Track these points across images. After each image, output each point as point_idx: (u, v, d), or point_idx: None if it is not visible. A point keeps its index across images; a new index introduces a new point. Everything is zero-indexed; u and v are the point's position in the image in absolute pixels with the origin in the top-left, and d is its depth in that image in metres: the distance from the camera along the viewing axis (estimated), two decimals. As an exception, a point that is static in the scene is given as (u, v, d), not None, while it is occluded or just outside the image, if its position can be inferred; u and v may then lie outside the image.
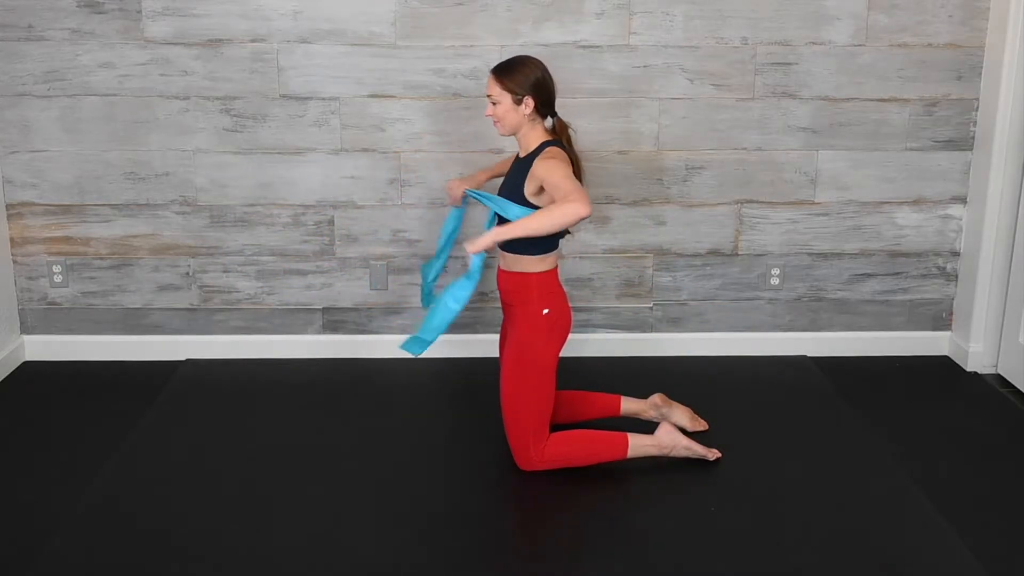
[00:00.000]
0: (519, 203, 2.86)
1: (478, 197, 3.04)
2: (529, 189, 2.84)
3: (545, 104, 2.88)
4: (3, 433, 3.29)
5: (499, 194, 2.98)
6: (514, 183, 2.90)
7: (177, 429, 3.32)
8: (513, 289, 2.96)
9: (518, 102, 2.84)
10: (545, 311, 2.93)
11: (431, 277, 3.30)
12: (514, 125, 2.88)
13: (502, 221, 2.90)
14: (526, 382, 2.92)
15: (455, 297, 2.81)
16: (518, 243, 2.87)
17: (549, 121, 2.94)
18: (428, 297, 3.31)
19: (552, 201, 2.76)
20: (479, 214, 3.61)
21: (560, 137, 2.93)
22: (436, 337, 2.84)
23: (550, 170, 2.74)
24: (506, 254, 2.94)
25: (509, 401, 2.94)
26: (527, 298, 2.93)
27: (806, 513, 2.81)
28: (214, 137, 3.71)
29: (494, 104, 2.86)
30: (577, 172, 2.87)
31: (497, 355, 3.85)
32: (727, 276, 3.93)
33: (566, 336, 3.01)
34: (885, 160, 3.83)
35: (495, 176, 3.26)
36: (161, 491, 2.91)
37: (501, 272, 3.01)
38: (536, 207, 2.84)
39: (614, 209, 3.83)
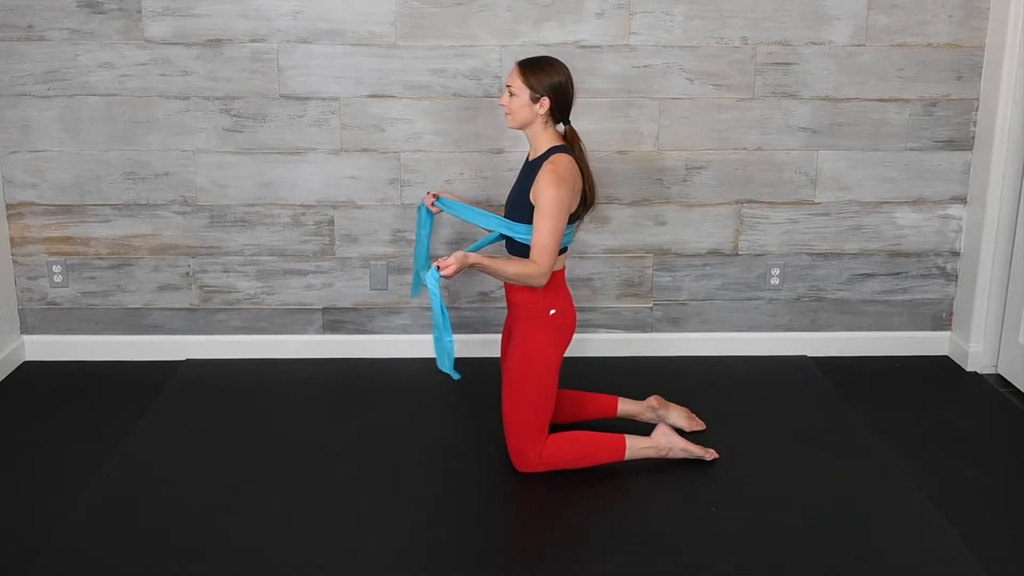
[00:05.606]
0: (527, 210, 2.85)
1: (453, 211, 3.07)
2: (535, 197, 2.83)
3: (560, 109, 2.88)
4: (3, 433, 3.29)
5: (508, 199, 2.98)
6: (523, 189, 2.89)
7: (177, 429, 3.32)
8: (520, 288, 2.94)
9: (535, 100, 2.83)
10: (552, 311, 2.92)
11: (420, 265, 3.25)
12: (524, 120, 2.87)
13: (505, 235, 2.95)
14: (528, 383, 2.91)
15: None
16: (524, 246, 2.88)
17: (562, 127, 2.94)
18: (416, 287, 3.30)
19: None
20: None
21: (572, 144, 2.92)
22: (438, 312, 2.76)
23: (543, 205, 2.77)
24: (512, 255, 2.94)
25: (510, 401, 2.94)
26: (533, 297, 2.92)
27: (806, 513, 2.81)
28: (214, 137, 3.71)
29: (511, 95, 2.86)
30: (587, 182, 2.89)
31: (498, 355, 3.87)
32: (727, 276, 3.93)
33: (570, 338, 3.00)
34: (885, 160, 3.83)
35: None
36: (161, 491, 2.91)
37: None
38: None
39: (614, 209, 3.83)
